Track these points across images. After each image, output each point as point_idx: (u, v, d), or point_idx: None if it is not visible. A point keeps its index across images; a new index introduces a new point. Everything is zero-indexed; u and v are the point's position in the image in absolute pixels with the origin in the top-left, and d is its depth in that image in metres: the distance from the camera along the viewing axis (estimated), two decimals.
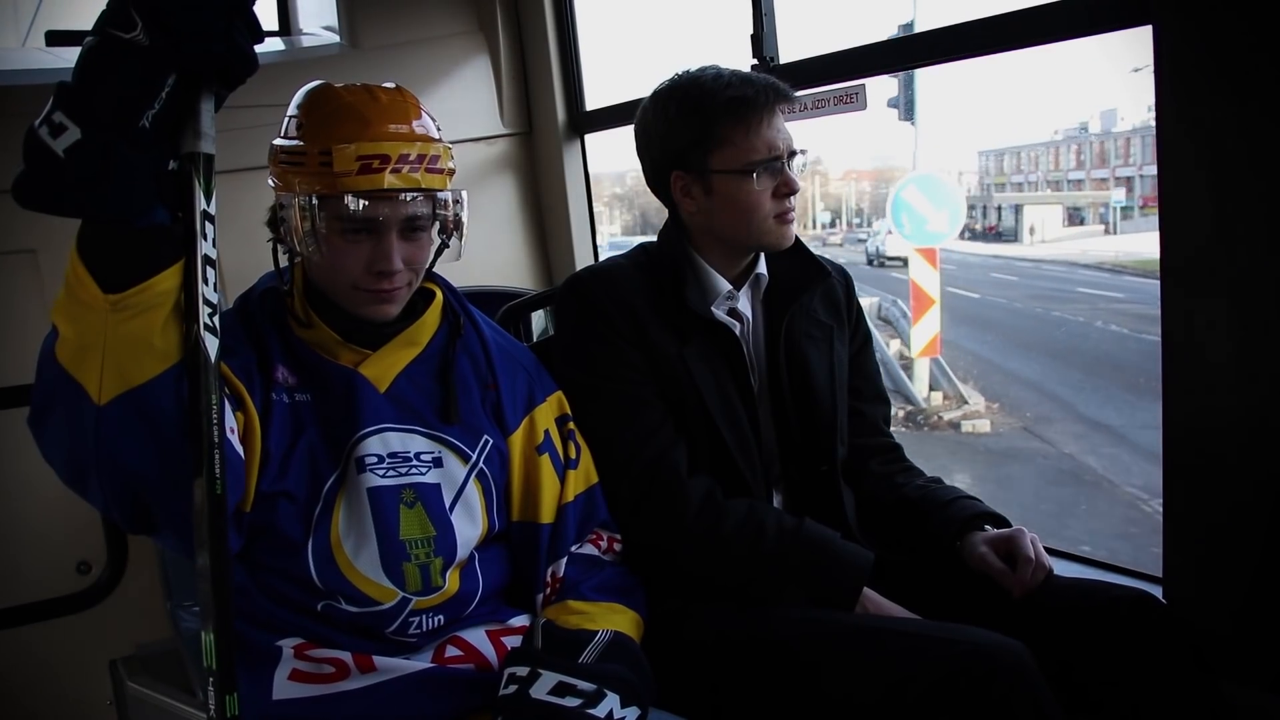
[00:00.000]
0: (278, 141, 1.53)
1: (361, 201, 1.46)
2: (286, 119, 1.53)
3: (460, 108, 3.38)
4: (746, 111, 1.78)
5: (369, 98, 1.50)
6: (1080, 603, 1.68)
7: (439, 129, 1.57)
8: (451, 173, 1.56)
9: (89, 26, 1.15)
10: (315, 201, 1.47)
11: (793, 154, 1.82)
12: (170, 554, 2.04)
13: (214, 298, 1.23)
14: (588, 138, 3.46)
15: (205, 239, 1.21)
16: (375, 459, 1.56)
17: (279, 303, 1.60)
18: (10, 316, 2.70)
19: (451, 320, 1.69)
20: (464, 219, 1.59)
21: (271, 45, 3.54)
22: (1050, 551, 1.79)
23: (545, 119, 3.46)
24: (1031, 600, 1.71)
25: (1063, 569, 1.79)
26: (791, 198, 1.82)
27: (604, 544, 1.77)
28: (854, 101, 2.41)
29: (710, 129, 1.79)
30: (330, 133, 1.47)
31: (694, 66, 1.87)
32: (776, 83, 1.82)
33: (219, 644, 1.23)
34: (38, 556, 2.74)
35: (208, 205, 1.21)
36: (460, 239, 1.60)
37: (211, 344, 1.22)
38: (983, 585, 1.76)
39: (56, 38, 2.83)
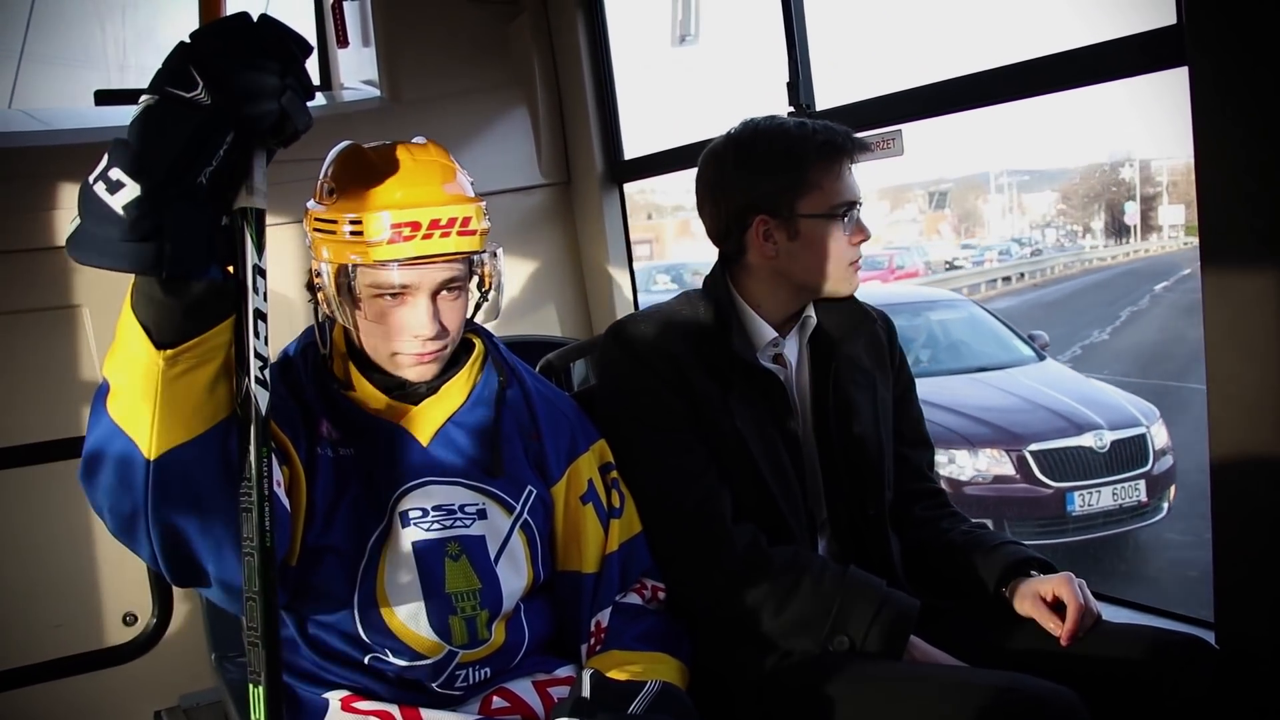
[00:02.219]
0: (310, 206, 1.54)
1: (395, 269, 1.47)
2: (319, 182, 1.55)
3: (499, 159, 3.40)
4: (837, 156, 1.81)
5: (398, 159, 1.51)
6: (1130, 649, 1.65)
7: (471, 183, 1.57)
8: (485, 232, 1.54)
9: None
10: (349, 269, 1.49)
11: (858, 204, 1.85)
12: (214, 605, 2.05)
13: (265, 351, 1.23)
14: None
15: (256, 293, 1.22)
16: (420, 512, 1.56)
17: (320, 358, 1.61)
18: (57, 371, 2.73)
19: (492, 371, 1.69)
20: (501, 275, 1.59)
21: (313, 101, 3.59)
22: (1099, 597, 1.76)
23: (584, 168, 3.48)
24: (1081, 647, 1.68)
25: (1111, 614, 1.76)
26: (860, 245, 1.85)
27: (648, 593, 1.76)
28: (891, 147, 2.41)
29: (802, 173, 1.81)
30: (361, 200, 1.48)
31: (759, 116, 1.89)
32: (852, 133, 1.85)
33: (269, 697, 1.23)
34: (85, 608, 2.76)
35: (259, 259, 1.22)
36: (499, 295, 1.61)
37: (262, 397, 1.22)
38: (1031, 632, 1.73)
39: (105, 97, 2.88)
